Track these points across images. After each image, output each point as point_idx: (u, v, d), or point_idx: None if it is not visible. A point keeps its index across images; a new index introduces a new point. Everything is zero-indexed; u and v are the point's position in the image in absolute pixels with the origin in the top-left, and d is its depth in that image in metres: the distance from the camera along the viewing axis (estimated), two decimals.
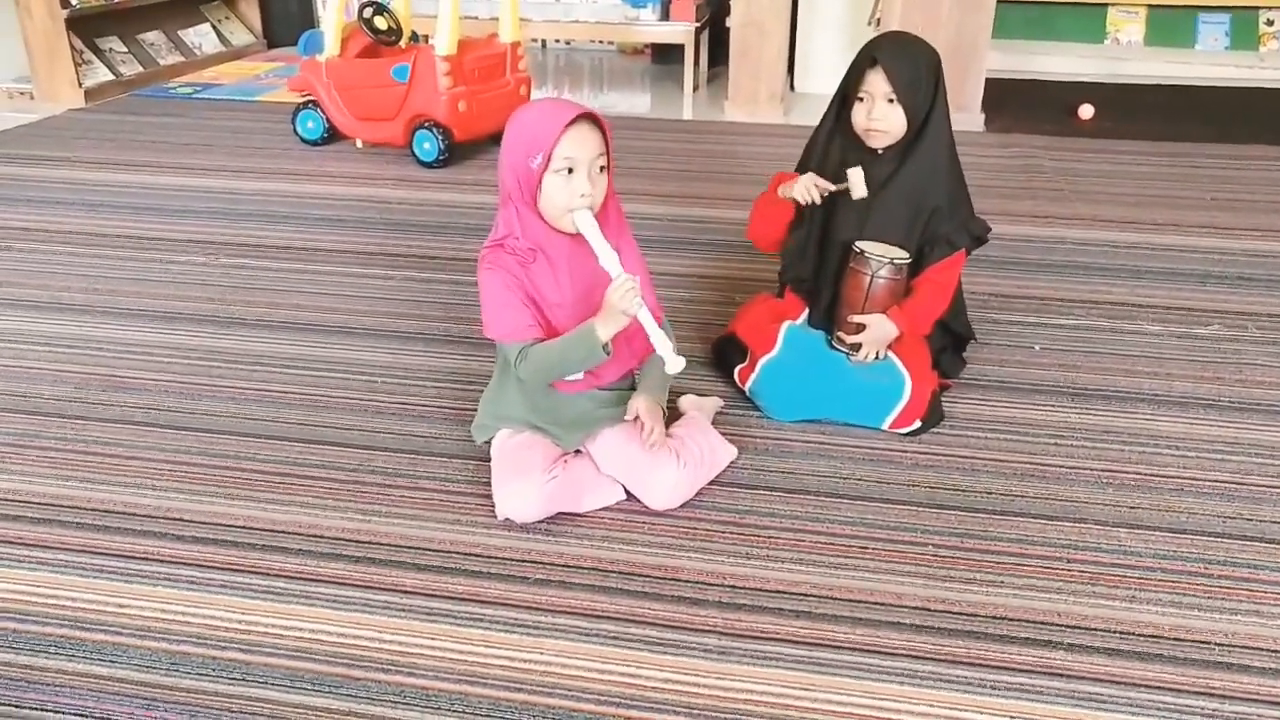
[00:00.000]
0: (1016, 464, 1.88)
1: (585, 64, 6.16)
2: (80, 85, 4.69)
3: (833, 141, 2.04)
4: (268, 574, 1.57)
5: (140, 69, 5.13)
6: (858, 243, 1.93)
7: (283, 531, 1.67)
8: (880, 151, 1.98)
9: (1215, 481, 1.83)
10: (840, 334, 1.99)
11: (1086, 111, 4.66)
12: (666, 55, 5.65)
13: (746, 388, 2.06)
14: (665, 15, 5.01)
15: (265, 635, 1.44)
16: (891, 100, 1.91)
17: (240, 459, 1.87)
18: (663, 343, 1.57)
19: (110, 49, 5.05)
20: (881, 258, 1.91)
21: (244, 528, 1.68)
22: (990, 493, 1.79)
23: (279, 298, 2.57)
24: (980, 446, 1.94)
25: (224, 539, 1.65)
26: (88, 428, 1.97)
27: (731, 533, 1.68)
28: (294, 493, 1.77)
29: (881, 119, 1.92)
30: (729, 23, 4.50)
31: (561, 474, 1.66)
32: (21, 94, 4.77)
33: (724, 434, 1.92)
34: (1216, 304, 2.58)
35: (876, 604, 1.52)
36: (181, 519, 1.70)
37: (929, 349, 2.06)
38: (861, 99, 1.93)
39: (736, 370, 2.10)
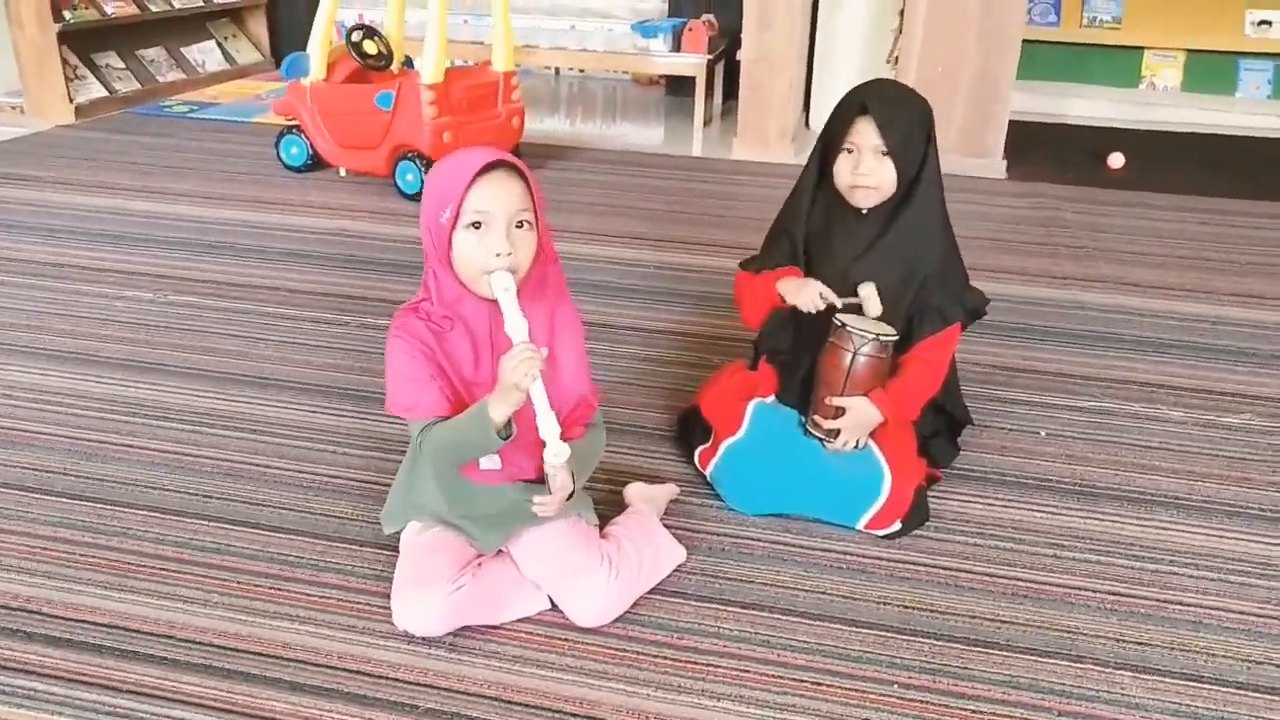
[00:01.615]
0: (1008, 580, 1.63)
1: (599, 93, 5.98)
2: (71, 101, 4.57)
3: (815, 202, 1.81)
4: (116, 689, 1.34)
5: (138, 86, 5.00)
6: (838, 315, 1.70)
7: (150, 633, 1.45)
8: (865, 212, 1.75)
9: (1241, 614, 1.57)
10: (816, 418, 1.76)
11: (1117, 160, 4.42)
12: (680, 87, 5.45)
13: (707, 473, 1.83)
14: (677, 46, 4.81)
15: None
16: (882, 154, 1.68)
17: (128, 537, 1.66)
18: (549, 425, 1.33)
19: (107, 64, 4.92)
20: (865, 333, 1.67)
21: (107, 625, 1.46)
22: (974, 616, 1.54)
23: (217, 343, 2.37)
24: (967, 555, 1.69)
25: (80, 639, 1.43)
26: None
27: (665, 657, 1.44)
28: (178, 582, 1.56)
29: (870, 174, 1.69)
30: (739, 57, 4.29)
31: (470, 583, 1.43)
32: (13, 108, 4.65)
33: (676, 527, 1.70)
34: (1250, 388, 2.32)
35: None
36: (39, 611, 1.48)
37: (915, 436, 1.82)
38: (849, 150, 1.71)
39: (697, 452, 1.87)
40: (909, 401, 1.74)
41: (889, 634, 1.50)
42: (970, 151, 4.18)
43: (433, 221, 1.38)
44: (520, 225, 1.39)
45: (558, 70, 6.17)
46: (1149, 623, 1.54)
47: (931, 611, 1.55)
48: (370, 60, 3.68)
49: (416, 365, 1.42)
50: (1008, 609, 1.56)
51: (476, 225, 1.36)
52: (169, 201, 3.42)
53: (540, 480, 1.48)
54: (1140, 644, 1.50)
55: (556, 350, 1.47)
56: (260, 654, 1.42)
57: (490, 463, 1.47)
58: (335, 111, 3.59)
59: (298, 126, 3.72)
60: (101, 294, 2.64)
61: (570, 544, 1.49)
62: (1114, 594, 1.61)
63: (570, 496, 1.44)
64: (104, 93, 4.80)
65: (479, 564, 1.47)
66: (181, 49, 5.40)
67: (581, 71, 6.17)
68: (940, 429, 1.93)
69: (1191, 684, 1.42)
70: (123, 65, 5.01)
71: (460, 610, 1.42)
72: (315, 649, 1.43)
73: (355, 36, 3.66)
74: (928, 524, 1.76)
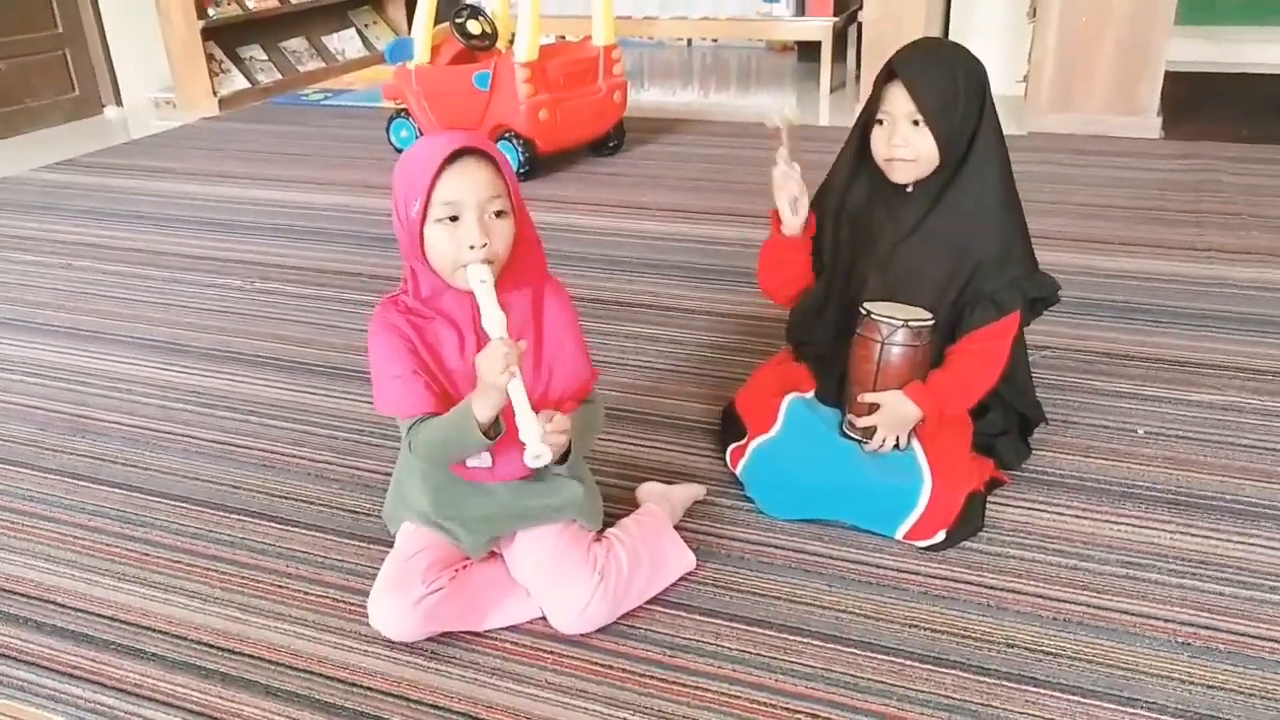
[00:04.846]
0: (1062, 604, 1.43)
1: (731, 62, 5.81)
2: (215, 94, 4.78)
3: (857, 178, 1.64)
4: (105, 685, 1.35)
5: (279, 76, 5.20)
6: (864, 304, 1.54)
7: (148, 628, 1.45)
8: (910, 189, 1.57)
9: None
10: (850, 417, 1.60)
11: None
12: (812, 52, 5.21)
13: (737, 472, 1.70)
14: (801, 10, 4.59)
15: None
16: (917, 122, 1.50)
17: (153, 528, 1.68)
18: (529, 426, 1.23)
19: (250, 57, 5.14)
20: (893, 320, 1.51)
21: (110, 618, 1.48)
22: (1013, 645, 1.36)
23: (288, 330, 2.40)
24: (1019, 573, 1.49)
25: (85, 632, 1.45)
26: (25, 479, 1.83)
27: (651, 676, 1.33)
28: (186, 576, 1.56)
29: (904, 145, 1.51)
30: (861, 18, 4.04)
31: (449, 587, 1.37)
32: (167, 103, 4.91)
33: (697, 531, 1.58)
34: None
35: None
36: (53, 601, 1.52)
37: (969, 436, 1.63)
38: (881, 122, 1.53)
39: (729, 450, 1.74)
40: (952, 395, 1.56)
41: (908, 662, 1.34)
42: (1120, 109, 3.79)
43: (404, 215, 1.32)
44: (496, 213, 1.30)
45: (690, 41, 6.03)
46: (1228, 662, 1.32)
47: (963, 638, 1.37)
48: (474, 40, 3.66)
49: (399, 361, 1.36)
50: (1055, 638, 1.37)
51: (449, 218, 1.29)
52: (281, 188, 3.52)
53: (532, 478, 1.40)
54: (1212, 688, 1.28)
55: (546, 336, 1.38)
56: (246, 654, 1.40)
57: (479, 461, 1.39)
58: (438, 93, 3.60)
59: (406, 110, 3.76)
60: (195, 282, 2.73)
61: (558, 547, 1.40)
62: (1191, 625, 1.38)
63: (564, 460, 1.35)
64: (247, 84, 5.01)
65: (463, 568, 1.41)
66: (323, 38, 5.59)
67: (714, 41, 6.00)
68: (1010, 428, 1.72)
69: None
70: (265, 57, 5.22)
71: (436, 615, 1.36)
72: (299, 651, 1.40)
73: (459, 18, 3.65)
74: (980, 535, 1.57)
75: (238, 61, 5.06)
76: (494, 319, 1.26)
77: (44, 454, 1.91)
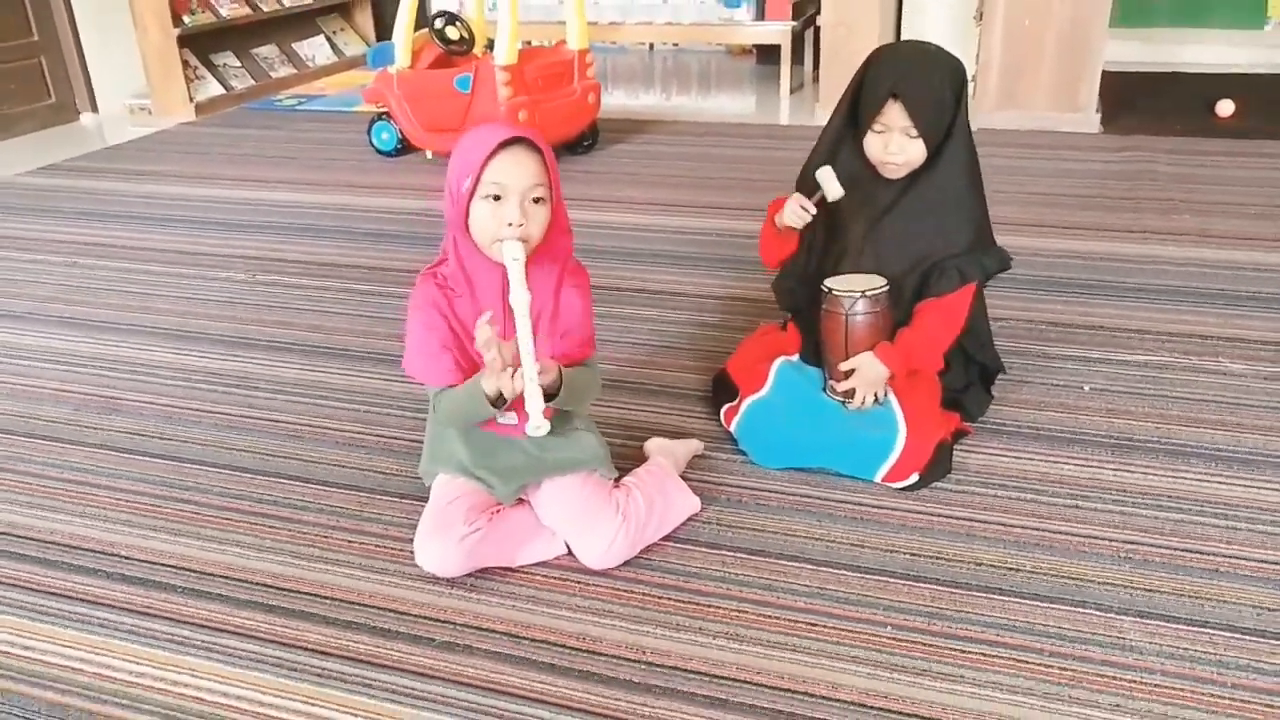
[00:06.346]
0: (1021, 530, 1.64)
1: (692, 66, 6.02)
2: (191, 100, 4.89)
3: (836, 159, 1.84)
4: (178, 620, 1.51)
5: (252, 82, 5.31)
6: (825, 282, 1.74)
7: (211, 574, 1.61)
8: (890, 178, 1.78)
9: (1264, 563, 1.54)
10: (831, 383, 1.80)
11: (1225, 108, 4.21)
12: (772, 55, 5.44)
13: (731, 429, 1.89)
14: (760, 15, 4.81)
15: (148, 690, 1.38)
16: (912, 136, 1.70)
17: (198, 490, 1.83)
18: (534, 399, 1.41)
19: (224, 64, 5.25)
20: (851, 294, 1.71)
21: (176, 567, 1.63)
22: (979, 564, 1.56)
23: (296, 317, 2.55)
24: (984, 507, 1.70)
25: (152, 579, 1.61)
26: (71, 453, 1.97)
27: (669, 599, 1.52)
28: (238, 530, 1.72)
29: (900, 152, 1.72)
30: (819, 22, 4.27)
31: (486, 528, 1.54)
32: (142, 109, 5.01)
33: (698, 480, 1.77)
34: None
35: (805, 694, 1.33)
36: (119, 554, 1.67)
37: (938, 391, 1.83)
38: (878, 130, 1.72)
39: (723, 410, 1.93)
40: (919, 352, 1.76)
41: (891, 579, 1.54)
42: (1061, 106, 4.05)
43: (455, 189, 1.49)
44: (535, 199, 1.48)
45: (651, 45, 6.23)
46: (1162, 570, 1.53)
47: (938, 559, 1.58)
48: (453, 45, 3.83)
49: (430, 337, 1.53)
50: (1016, 557, 1.58)
51: (494, 197, 1.46)
52: (268, 189, 3.66)
53: (554, 433, 1.58)
54: (1148, 591, 1.49)
55: (561, 309, 1.56)
56: (304, 593, 1.56)
57: (506, 419, 1.57)
58: (419, 96, 3.75)
59: (387, 113, 3.91)
60: (199, 275, 2.87)
61: (583, 494, 1.59)
62: (1130, 543, 1.60)
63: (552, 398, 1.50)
64: (221, 90, 5.12)
65: (497, 511, 1.58)
66: (293, 45, 5.70)
67: (675, 45, 6.21)
68: (973, 380, 1.93)
69: (1194, 629, 1.41)
70: (239, 64, 5.33)
71: (476, 553, 1.54)
72: (350, 589, 1.57)
73: (438, 24, 3.82)
74: (949, 477, 1.78)
75: (211, 68, 5.17)
76: (520, 295, 1.43)
77: (85, 431, 2.05)
